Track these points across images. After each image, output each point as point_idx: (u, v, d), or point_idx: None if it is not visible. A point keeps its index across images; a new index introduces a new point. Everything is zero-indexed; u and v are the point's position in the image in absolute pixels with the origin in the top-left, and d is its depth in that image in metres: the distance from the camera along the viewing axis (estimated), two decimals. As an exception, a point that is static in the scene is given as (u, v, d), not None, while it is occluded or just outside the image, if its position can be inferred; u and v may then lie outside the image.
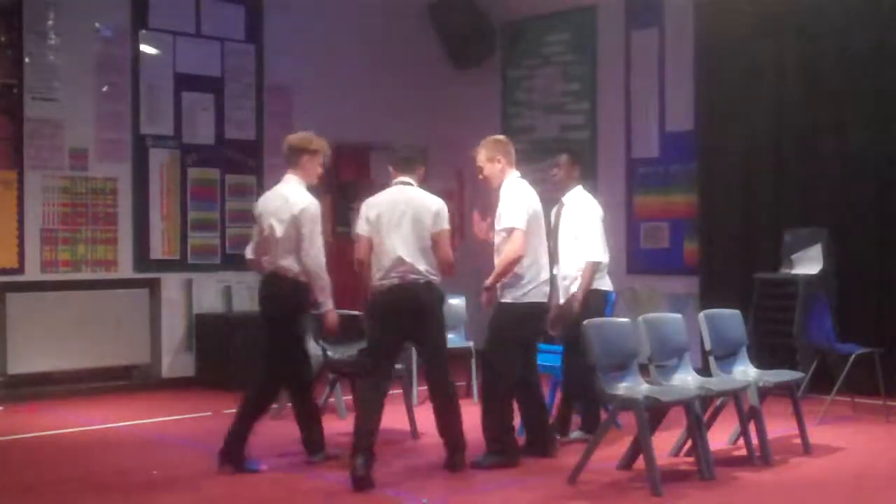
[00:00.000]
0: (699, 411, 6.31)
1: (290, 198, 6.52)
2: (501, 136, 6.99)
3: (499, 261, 6.62)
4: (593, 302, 7.16)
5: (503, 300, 6.67)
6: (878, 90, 9.22)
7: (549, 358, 7.90)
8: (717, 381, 6.70)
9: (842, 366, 8.04)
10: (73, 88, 9.77)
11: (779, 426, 7.30)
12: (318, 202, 6.60)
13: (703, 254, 10.38)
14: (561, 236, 7.32)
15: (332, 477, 6.36)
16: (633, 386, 6.23)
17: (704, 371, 7.09)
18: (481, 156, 6.78)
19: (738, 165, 10.11)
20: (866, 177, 9.28)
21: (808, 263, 9.29)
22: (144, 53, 10.23)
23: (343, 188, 11.44)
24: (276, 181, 6.80)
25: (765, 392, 6.84)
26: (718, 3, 10.22)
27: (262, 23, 10.97)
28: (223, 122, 10.69)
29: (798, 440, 7.00)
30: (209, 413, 8.77)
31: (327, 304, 6.52)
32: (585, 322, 6.39)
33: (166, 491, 6.13)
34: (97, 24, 9.99)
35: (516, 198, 6.64)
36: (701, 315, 7.01)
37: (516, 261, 6.53)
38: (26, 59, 9.53)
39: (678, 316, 7.03)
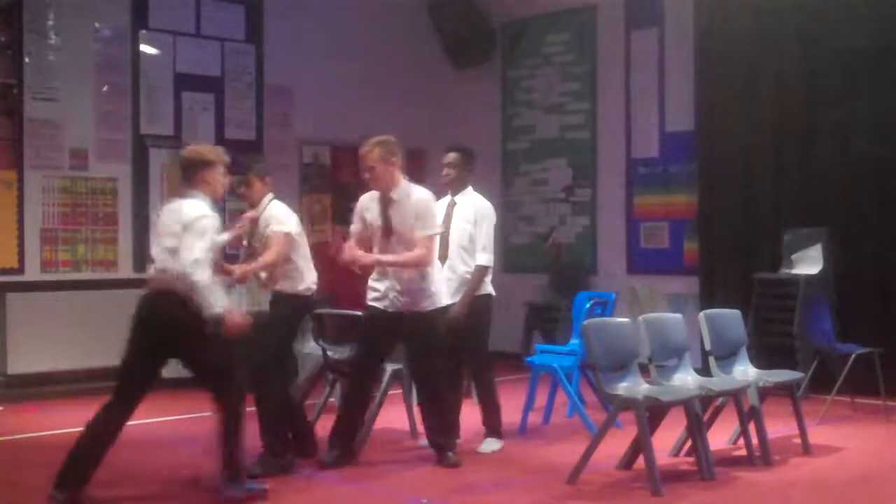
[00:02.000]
0: (699, 411, 6.31)
1: (185, 209, 5.75)
2: (392, 137, 6.41)
3: (408, 257, 6.34)
4: (481, 305, 6.95)
5: (430, 308, 6.48)
6: (877, 90, 9.21)
7: (548, 358, 7.91)
8: (717, 381, 6.70)
9: (842, 366, 8.04)
10: (73, 88, 9.78)
11: (779, 426, 7.30)
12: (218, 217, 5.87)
13: (703, 254, 10.37)
14: (453, 236, 7.00)
15: (334, 475, 6.37)
16: (633, 386, 6.22)
17: (704, 371, 7.09)
18: (374, 155, 6.29)
19: (738, 165, 10.11)
20: (866, 177, 9.28)
21: (808, 263, 9.28)
22: (144, 53, 10.24)
23: (342, 188, 11.44)
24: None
25: (765, 392, 6.83)
26: (718, 3, 10.22)
27: (262, 23, 10.98)
28: (223, 122, 10.69)
29: (798, 440, 7.00)
30: (209, 413, 8.74)
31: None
32: (585, 322, 6.40)
33: (166, 490, 6.12)
34: (97, 24, 10.00)
35: (433, 204, 6.47)
36: (701, 315, 7.01)
37: (423, 266, 6.39)
38: (26, 59, 9.54)
39: (678, 316, 7.03)
